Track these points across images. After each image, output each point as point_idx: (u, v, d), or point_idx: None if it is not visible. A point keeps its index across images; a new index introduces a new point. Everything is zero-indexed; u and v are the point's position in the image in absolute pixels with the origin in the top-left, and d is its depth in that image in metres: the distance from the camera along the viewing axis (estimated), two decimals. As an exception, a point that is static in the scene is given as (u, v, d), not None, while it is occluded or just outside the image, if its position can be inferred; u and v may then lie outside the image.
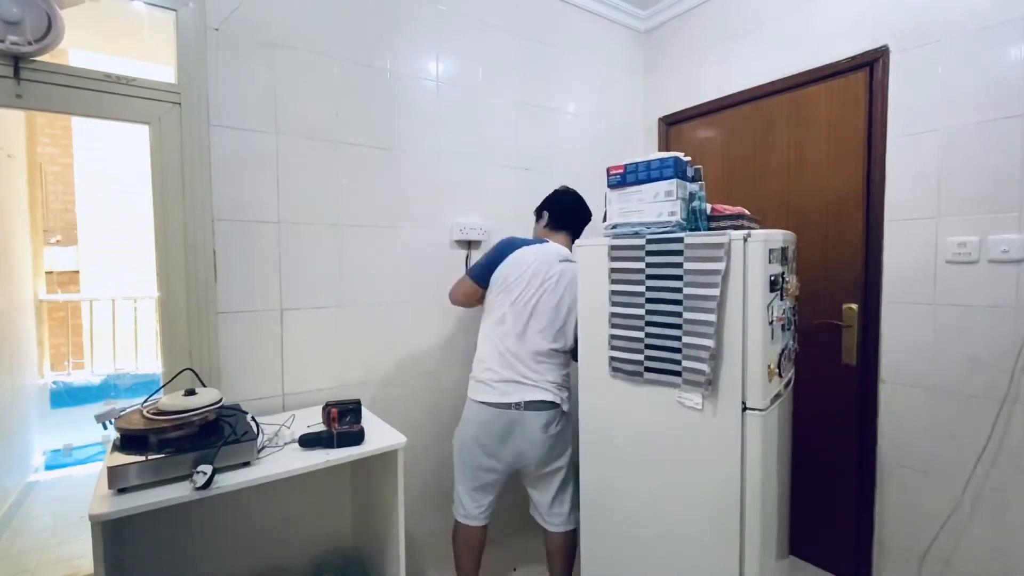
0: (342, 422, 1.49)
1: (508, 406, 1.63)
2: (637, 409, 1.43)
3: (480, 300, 1.79)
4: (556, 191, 1.92)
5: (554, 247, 1.76)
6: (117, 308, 4.17)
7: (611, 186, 1.46)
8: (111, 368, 4.04)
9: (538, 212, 1.92)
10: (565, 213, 1.86)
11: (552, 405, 1.66)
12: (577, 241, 1.63)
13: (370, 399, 1.84)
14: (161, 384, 1.47)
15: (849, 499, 1.97)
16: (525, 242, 1.75)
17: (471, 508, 1.72)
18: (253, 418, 1.38)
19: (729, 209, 1.36)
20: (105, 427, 1.28)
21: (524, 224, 2.28)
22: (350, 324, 1.84)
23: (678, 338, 1.30)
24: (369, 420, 1.65)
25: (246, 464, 1.26)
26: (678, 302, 1.29)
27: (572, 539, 1.76)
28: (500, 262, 1.71)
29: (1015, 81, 1.54)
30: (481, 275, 1.74)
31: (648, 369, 1.37)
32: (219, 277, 1.59)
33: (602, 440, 1.55)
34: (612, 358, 1.46)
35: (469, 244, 2.12)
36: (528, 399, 1.63)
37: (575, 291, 1.65)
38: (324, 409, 1.53)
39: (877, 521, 1.89)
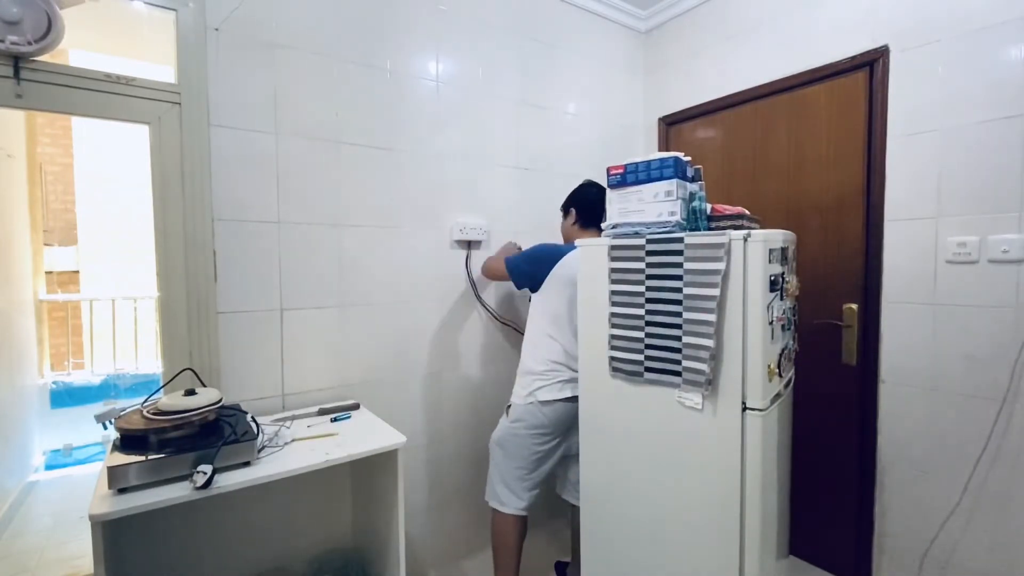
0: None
1: (574, 399, 1.70)
2: (637, 409, 1.43)
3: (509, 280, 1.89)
4: (582, 185, 1.94)
5: None
6: (117, 308, 4.17)
7: (611, 186, 1.46)
8: (111, 368, 4.04)
9: (565, 208, 1.95)
10: (593, 209, 1.87)
11: None
12: (577, 240, 1.63)
13: (370, 399, 1.84)
14: (161, 384, 1.47)
15: (849, 499, 1.97)
16: (567, 249, 1.78)
17: (529, 498, 1.77)
18: (253, 418, 1.38)
19: (729, 209, 1.36)
20: (105, 427, 1.28)
21: (524, 224, 2.28)
22: (350, 324, 1.84)
23: (678, 338, 1.30)
24: (369, 420, 1.66)
25: (246, 464, 1.26)
26: (678, 302, 1.29)
27: None
28: (548, 272, 1.76)
29: (1015, 81, 1.54)
30: (523, 278, 1.84)
31: (648, 369, 1.37)
32: (219, 277, 1.59)
33: (602, 440, 1.55)
34: (612, 358, 1.46)
35: (469, 244, 2.12)
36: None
37: None
38: None
39: (877, 521, 1.89)
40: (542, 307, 1.80)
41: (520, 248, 2.06)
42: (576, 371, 1.69)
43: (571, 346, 1.72)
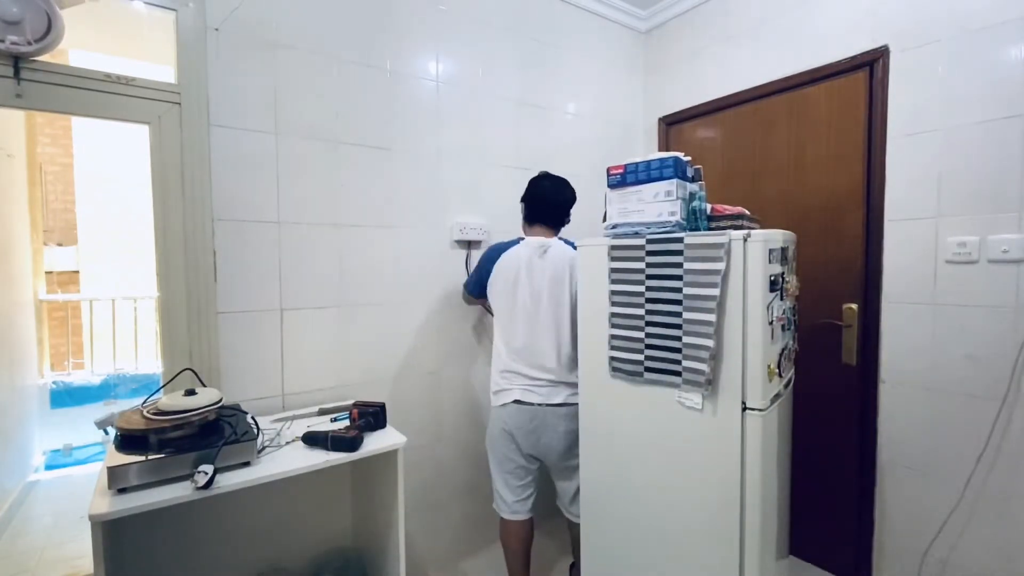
0: (355, 424, 1.50)
1: (532, 404, 1.68)
2: (637, 409, 1.43)
3: (481, 301, 1.90)
4: (533, 178, 1.85)
5: (532, 242, 1.75)
6: (117, 308, 4.17)
7: (611, 186, 1.46)
8: (111, 368, 4.04)
9: (521, 203, 1.87)
10: (539, 204, 1.80)
11: (566, 405, 1.69)
12: (577, 241, 1.62)
13: (370, 399, 1.84)
14: (161, 384, 1.47)
15: (849, 499, 1.97)
16: (507, 246, 1.77)
17: (518, 504, 1.76)
18: (253, 418, 1.37)
19: (729, 209, 1.35)
20: (106, 433, 1.28)
21: (524, 224, 2.28)
22: (350, 324, 1.84)
23: (678, 338, 1.30)
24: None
25: (246, 464, 1.26)
26: (678, 302, 1.29)
27: None
28: (489, 274, 1.78)
29: (1015, 81, 1.54)
30: (474, 289, 1.90)
31: (648, 369, 1.37)
32: (219, 277, 1.59)
33: (602, 440, 1.55)
34: (612, 358, 1.46)
35: (469, 244, 2.12)
36: (551, 401, 1.68)
37: (561, 275, 1.69)
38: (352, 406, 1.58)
39: (877, 521, 1.89)
40: (494, 309, 1.81)
41: None
42: (528, 371, 1.69)
43: (517, 344, 1.70)
